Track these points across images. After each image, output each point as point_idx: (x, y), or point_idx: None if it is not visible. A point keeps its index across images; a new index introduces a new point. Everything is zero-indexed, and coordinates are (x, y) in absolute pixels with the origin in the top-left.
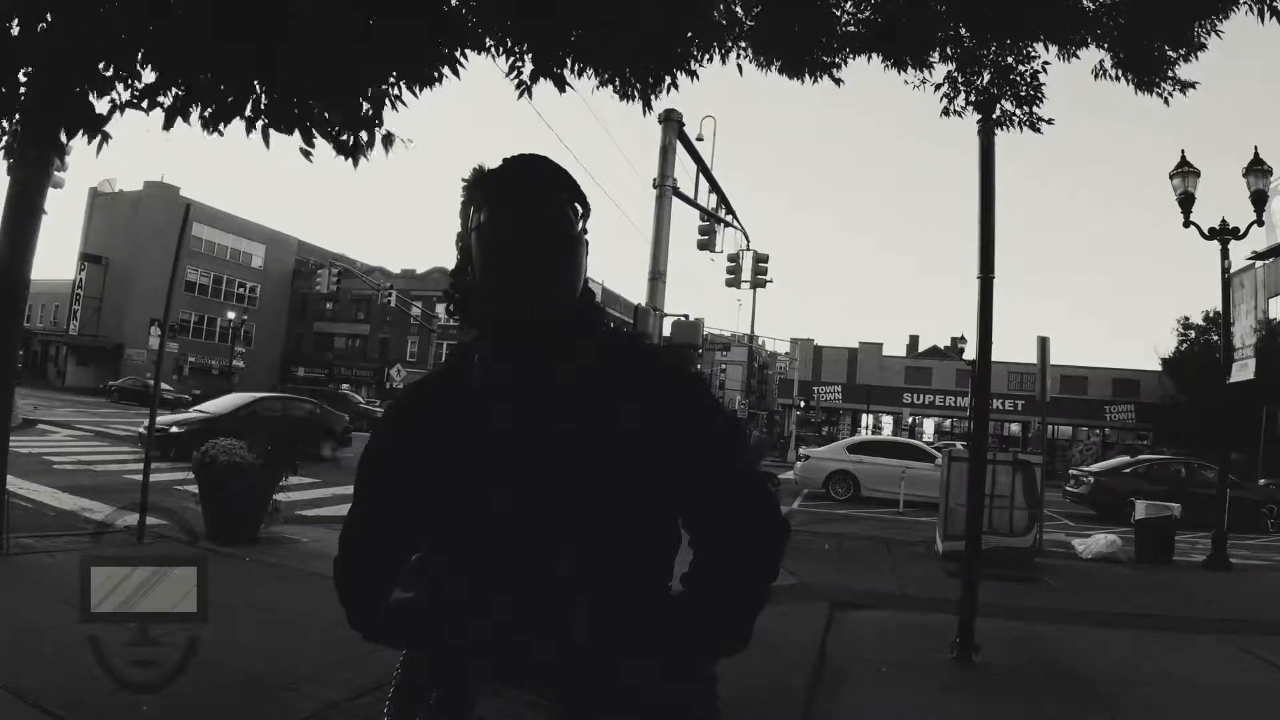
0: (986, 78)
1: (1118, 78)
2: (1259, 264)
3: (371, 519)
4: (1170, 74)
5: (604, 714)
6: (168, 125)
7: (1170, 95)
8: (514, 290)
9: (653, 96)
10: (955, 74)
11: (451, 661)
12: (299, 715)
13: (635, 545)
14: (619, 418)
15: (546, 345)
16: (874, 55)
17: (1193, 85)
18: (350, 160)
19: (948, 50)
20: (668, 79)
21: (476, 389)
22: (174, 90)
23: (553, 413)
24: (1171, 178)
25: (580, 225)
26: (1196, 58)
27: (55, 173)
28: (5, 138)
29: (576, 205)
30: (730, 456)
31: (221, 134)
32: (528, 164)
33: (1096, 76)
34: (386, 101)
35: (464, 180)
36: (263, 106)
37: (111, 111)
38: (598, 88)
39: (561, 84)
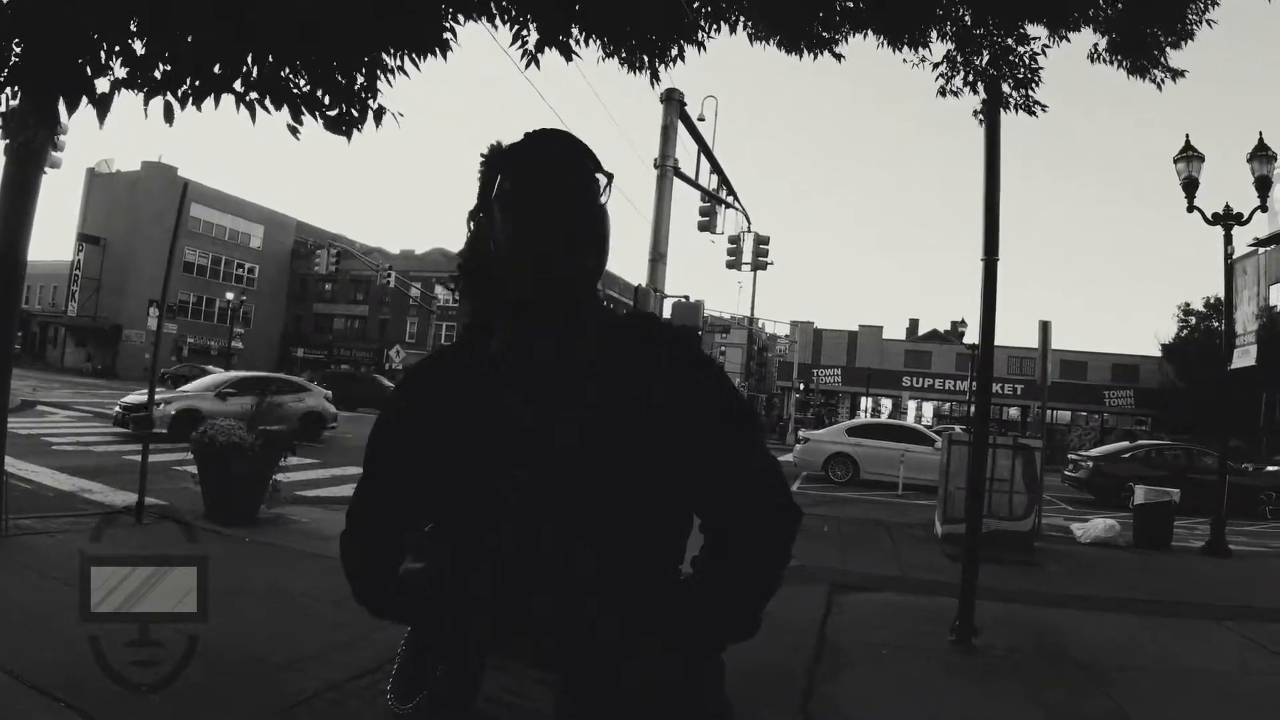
0: (985, 58)
1: (1111, 62)
2: (1262, 250)
3: (380, 495)
4: (1162, 60)
5: (612, 693)
6: (168, 116)
7: (1162, 82)
8: (547, 254)
9: (660, 67)
10: (954, 54)
11: (459, 637)
12: (300, 695)
13: (648, 528)
14: (635, 399)
15: (566, 319)
16: (871, 32)
17: (1182, 73)
18: (344, 135)
19: (946, 29)
20: (674, 50)
21: (491, 366)
22: (162, 66)
23: (568, 391)
24: (1175, 162)
25: (605, 195)
26: (1186, 44)
27: (51, 151)
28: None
29: (600, 176)
30: (744, 442)
31: (200, 110)
32: (553, 135)
33: (1093, 60)
34: (382, 74)
35: (483, 155)
36: (253, 80)
37: (112, 90)
38: (604, 58)
39: (568, 53)
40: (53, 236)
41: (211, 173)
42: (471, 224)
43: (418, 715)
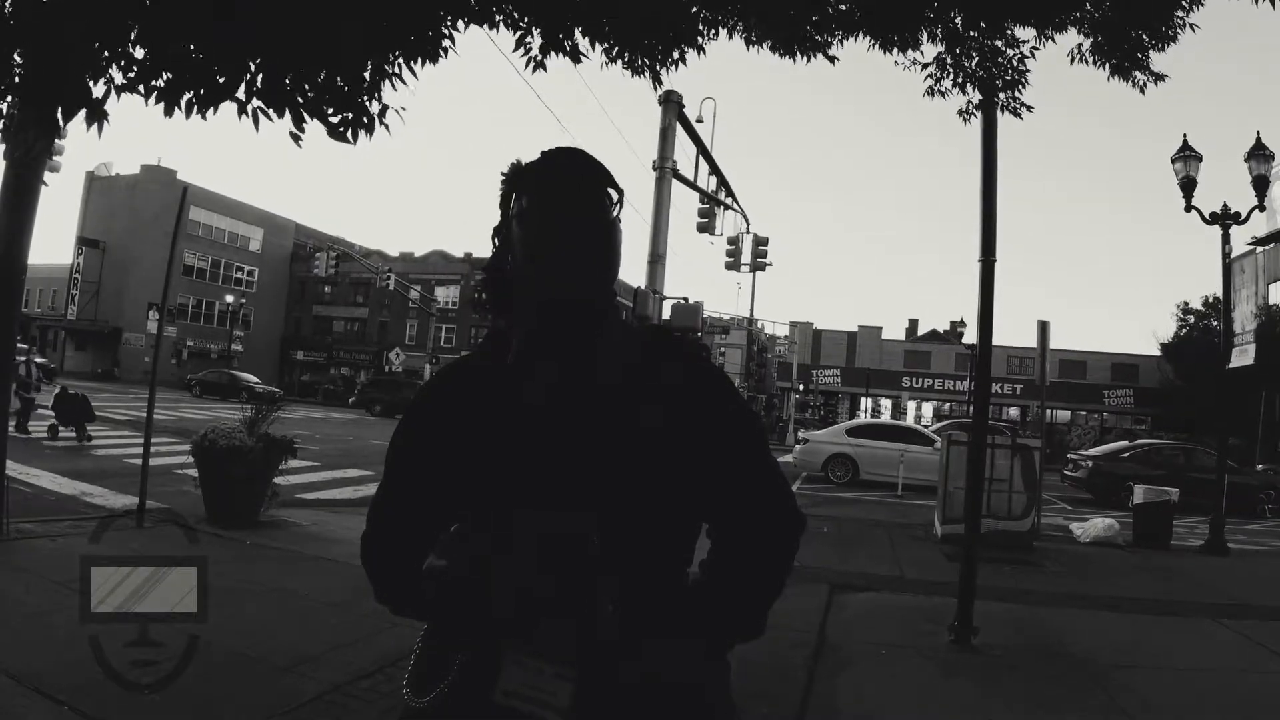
0: (975, 60)
1: (1094, 63)
2: (1260, 249)
3: (401, 495)
4: (1145, 62)
5: (624, 688)
6: (168, 112)
7: (1144, 85)
8: (562, 266)
9: (661, 70)
10: (944, 56)
11: (478, 631)
12: (302, 697)
13: (659, 531)
14: (646, 407)
15: (586, 329)
16: (864, 34)
17: (1164, 77)
18: (348, 142)
19: (936, 31)
20: (675, 53)
21: (513, 372)
22: (165, 74)
23: (583, 397)
24: (1173, 162)
25: (616, 211)
26: (1169, 47)
27: (50, 156)
28: (1, 121)
29: (612, 191)
30: (751, 450)
31: (205, 119)
32: (568, 154)
33: (1073, 61)
34: (384, 81)
35: (503, 173)
36: (256, 88)
37: (107, 94)
38: (607, 63)
39: (576, 55)
40: (52, 239)
41: (211, 176)
42: (496, 240)
43: (435, 708)
